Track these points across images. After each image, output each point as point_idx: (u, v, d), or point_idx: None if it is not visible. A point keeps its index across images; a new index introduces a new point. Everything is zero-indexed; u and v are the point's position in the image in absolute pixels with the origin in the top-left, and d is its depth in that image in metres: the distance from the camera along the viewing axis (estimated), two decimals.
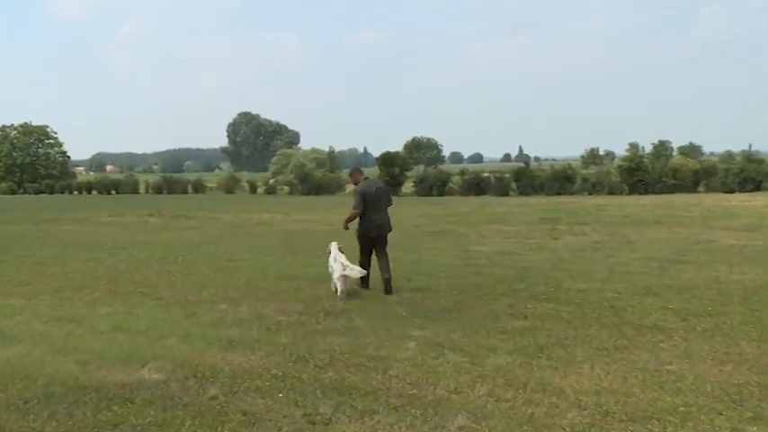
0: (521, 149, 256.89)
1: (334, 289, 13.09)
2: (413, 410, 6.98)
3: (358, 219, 13.86)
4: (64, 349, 9.64)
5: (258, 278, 15.45)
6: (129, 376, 8.34)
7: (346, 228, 14.28)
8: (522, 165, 63.63)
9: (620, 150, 74.54)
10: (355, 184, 14.44)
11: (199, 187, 79.14)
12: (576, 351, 9.08)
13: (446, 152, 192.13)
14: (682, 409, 6.91)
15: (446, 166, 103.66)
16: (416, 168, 73.85)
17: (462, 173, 63.40)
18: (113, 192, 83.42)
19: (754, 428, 6.44)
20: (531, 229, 25.80)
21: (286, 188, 71.86)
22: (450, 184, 61.49)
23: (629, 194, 50.82)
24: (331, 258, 13.53)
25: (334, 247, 13.80)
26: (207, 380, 8.13)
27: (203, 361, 8.89)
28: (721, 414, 6.79)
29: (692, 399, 7.20)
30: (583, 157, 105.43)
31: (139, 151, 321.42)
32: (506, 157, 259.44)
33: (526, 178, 57.19)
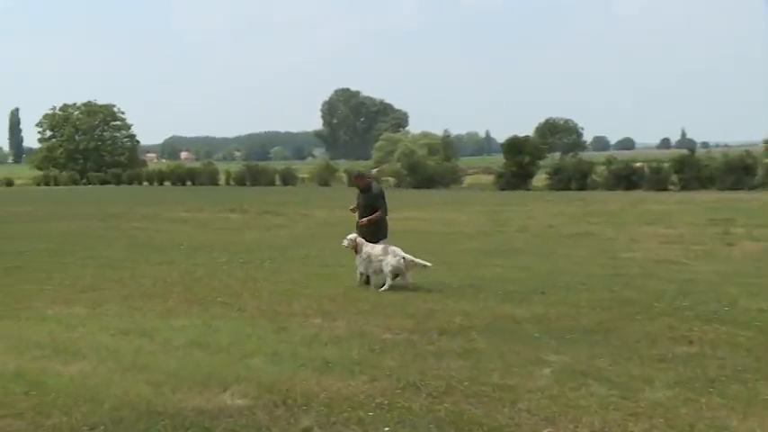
0: (683, 133, 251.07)
1: (380, 284, 15.46)
2: None
3: (379, 221, 16.58)
4: (134, 367, 9.89)
5: (358, 288, 15.58)
6: (208, 401, 8.50)
7: (364, 225, 16.61)
8: (685, 152, 62.03)
9: None
10: (365, 188, 17.06)
11: (288, 178, 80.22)
12: (759, 387, 8.81)
13: (588, 137, 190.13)
14: None
15: (588, 154, 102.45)
16: (551, 156, 72.94)
17: (608, 162, 62.21)
18: (189, 183, 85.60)
19: None
20: (698, 233, 25.29)
21: (392, 179, 72.07)
22: (593, 176, 60.64)
23: None
24: (375, 250, 15.81)
25: (360, 239, 16.14)
26: (299, 408, 8.21)
27: (294, 385, 8.97)
28: None
29: None
30: (767, 142, 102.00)
31: (219, 135, 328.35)
32: (665, 143, 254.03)
33: (691, 169, 55.78)
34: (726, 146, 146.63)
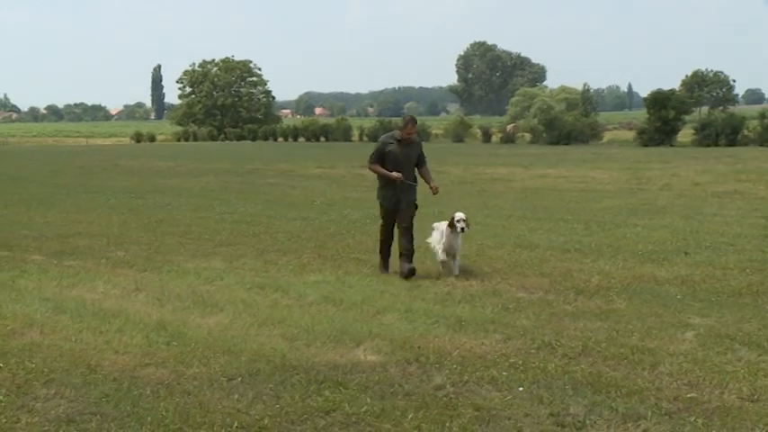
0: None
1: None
2: (691, 419, 6.76)
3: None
4: (269, 321, 10.11)
5: (493, 246, 15.61)
6: (341, 356, 8.63)
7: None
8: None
9: None
10: (408, 138, 13.61)
11: (422, 134, 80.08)
12: None
13: (739, 90, 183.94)
14: None
15: (740, 108, 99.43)
16: (698, 111, 71.13)
17: (762, 116, 60.31)
18: (323, 139, 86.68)
19: None
20: None
21: (528, 136, 71.67)
22: (745, 131, 58.96)
23: None
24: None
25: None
26: (432, 365, 8.25)
27: (427, 343, 9.05)
28: None
29: None
30: None
31: (352, 91, 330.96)
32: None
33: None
34: None
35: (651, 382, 7.71)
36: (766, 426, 6.57)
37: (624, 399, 7.23)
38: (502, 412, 6.98)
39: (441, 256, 13.39)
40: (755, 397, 7.27)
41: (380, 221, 14.02)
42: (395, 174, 13.20)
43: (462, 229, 13.14)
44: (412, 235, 13.45)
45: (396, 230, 13.78)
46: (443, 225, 13.54)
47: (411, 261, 13.20)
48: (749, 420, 6.69)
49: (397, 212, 13.54)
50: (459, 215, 13.25)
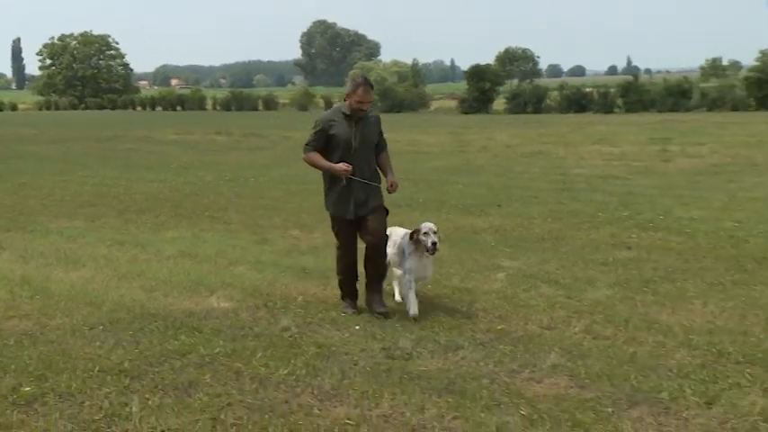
0: (629, 60, 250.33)
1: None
2: (501, 347, 6.98)
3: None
4: (129, 275, 9.90)
5: None
6: (196, 304, 8.54)
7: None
8: (629, 78, 61.96)
9: (749, 60, 71.73)
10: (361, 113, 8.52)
11: (270, 103, 79.81)
12: (687, 286, 8.97)
13: (543, 65, 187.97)
14: None
15: (543, 81, 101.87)
16: (509, 83, 72.74)
17: (561, 87, 62.40)
18: (179, 108, 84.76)
19: None
20: (639, 151, 25.42)
21: None
22: (548, 101, 60.72)
23: (756, 110, 49.19)
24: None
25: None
26: (279, 310, 8.26)
27: (275, 290, 9.05)
28: None
29: None
30: (702, 68, 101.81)
31: (206, 64, 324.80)
32: (612, 70, 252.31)
33: (634, 93, 55.94)
34: (667, 72, 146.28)
35: (468, 317, 7.93)
36: (560, 348, 6.86)
37: (446, 332, 7.42)
38: (341, 348, 7.05)
39: (403, 286, 8.34)
40: (552, 326, 7.61)
41: (336, 243, 8.73)
42: (340, 165, 8.10)
43: (434, 247, 8.05)
44: (384, 253, 8.51)
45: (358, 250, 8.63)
46: (396, 232, 8.73)
47: (381, 293, 8.44)
48: (547, 345, 6.98)
49: (361, 223, 8.42)
50: (427, 226, 8.20)
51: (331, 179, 8.38)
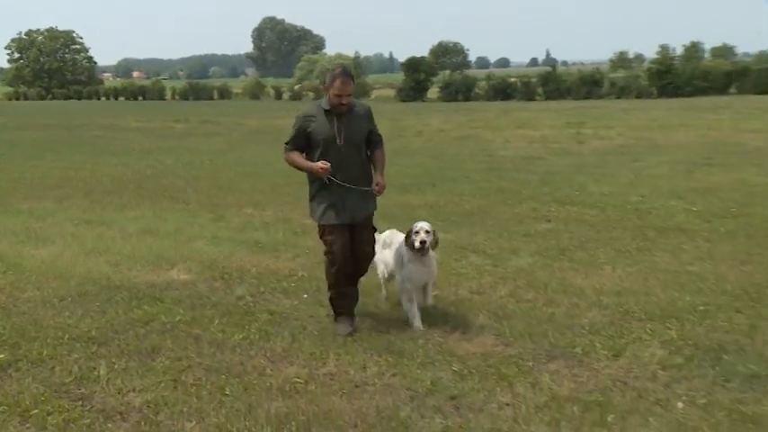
0: (548, 53, 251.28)
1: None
2: (435, 310, 7.05)
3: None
4: (95, 251, 9.77)
5: (283, 183, 15.42)
6: (158, 277, 8.47)
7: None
8: (548, 69, 62.46)
9: (651, 53, 72.79)
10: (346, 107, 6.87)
11: (224, 93, 78.84)
12: (599, 253, 9.12)
13: (472, 57, 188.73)
14: (701, 308, 6.94)
15: (472, 72, 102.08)
16: (442, 74, 72.60)
17: (488, 78, 62.65)
18: (140, 98, 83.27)
19: None
20: (557, 134, 25.62)
21: (311, 94, 71.25)
22: (476, 90, 60.88)
23: (657, 98, 49.98)
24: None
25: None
26: (234, 280, 8.24)
27: (230, 263, 8.99)
28: (740, 312, 6.83)
29: (711, 298, 7.24)
30: (611, 60, 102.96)
31: (165, 57, 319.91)
32: (533, 62, 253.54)
33: (553, 83, 56.44)
34: (581, 63, 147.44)
35: None
36: (488, 311, 6.96)
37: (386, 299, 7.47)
38: (291, 315, 7.06)
39: (403, 295, 6.88)
40: (481, 291, 7.68)
41: (324, 255, 6.79)
42: (317, 164, 6.52)
43: (422, 246, 6.66)
44: (366, 269, 7.06)
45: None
46: (396, 238, 7.21)
47: (353, 315, 6.81)
48: (476, 308, 7.06)
49: (352, 230, 6.73)
50: (419, 225, 6.79)
51: (319, 184, 6.67)
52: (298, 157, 6.72)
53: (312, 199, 6.85)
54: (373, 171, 6.85)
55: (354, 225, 6.68)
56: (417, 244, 6.64)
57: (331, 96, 6.52)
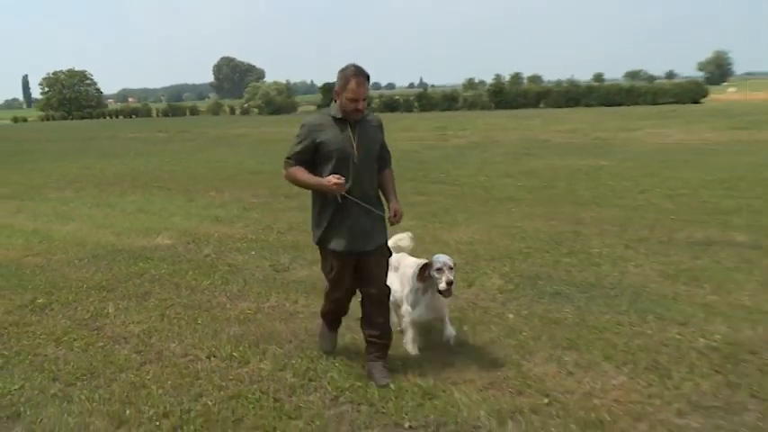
0: (421, 79, 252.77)
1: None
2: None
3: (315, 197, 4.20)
4: (104, 225, 9.42)
5: (237, 173, 15.16)
6: (148, 242, 8.18)
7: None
8: (421, 90, 62.79)
9: (489, 79, 74.10)
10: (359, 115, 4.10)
11: (194, 111, 77.04)
12: (458, 216, 9.19)
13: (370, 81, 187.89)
14: (525, 250, 7.10)
15: (371, 92, 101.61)
16: None
17: (380, 96, 62.44)
18: (133, 116, 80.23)
19: (568, 260, 6.67)
20: (428, 135, 25.78)
21: (256, 110, 69.88)
22: (372, 105, 60.53)
23: (494, 110, 50.86)
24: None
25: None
26: (202, 243, 8.01)
27: (199, 231, 8.74)
28: (548, 252, 7.00)
29: (531, 243, 7.40)
30: (464, 84, 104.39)
31: (151, 87, 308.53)
32: (411, 85, 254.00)
33: (425, 99, 56.55)
34: (443, 86, 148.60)
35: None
36: None
37: (311, 252, 7.11)
38: (243, 266, 6.89)
39: (408, 328, 4.40)
40: None
41: (325, 284, 4.26)
42: (329, 179, 3.87)
43: (449, 287, 4.11)
44: (388, 308, 4.24)
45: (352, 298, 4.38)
46: (404, 261, 4.65)
47: (386, 359, 4.13)
48: None
49: (361, 261, 4.06)
50: (441, 260, 4.19)
51: (322, 202, 4.05)
52: (303, 173, 4.01)
53: (317, 222, 4.09)
54: (383, 193, 4.20)
55: (364, 254, 4.02)
56: (443, 285, 4.10)
57: (344, 101, 3.92)
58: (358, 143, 3.99)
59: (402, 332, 4.50)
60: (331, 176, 3.87)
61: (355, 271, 4.10)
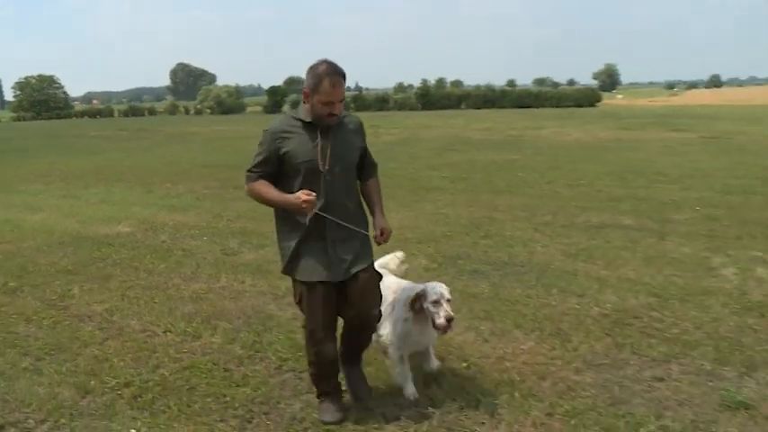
0: (357, 83, 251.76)
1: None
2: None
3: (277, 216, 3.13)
4: (70, 215, 9.01)
5: (191, 167, 14.63)
6: (110, 230, 7.84)
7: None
8: (357, 93, 62.55)
9: (417, 83, 74.34)
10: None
11: (152, 112, 74.07)
12: (389, 204, 8.99)
13: None
14: (447, 233, 7.15)
15: None
16: (292, 96, 70.88)
17: None
18: (97, 117, 76.69)
19: (484, 242, 6.75)
20: (367, 132, 25.57)
21: (208, 111, 67.99)
22: None
23: (421, 110, 51.15)
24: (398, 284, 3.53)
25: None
26: (159, 230, 7.73)
27: (156, 219, 8.43)
28: (468, 235, 7.07)
29: (453, 228, 7.45)
30: (395, 87, 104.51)
31: (114, 90, 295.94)
32: (348, 89, 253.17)
33: (360, 101, 56.28)
34: (376, 89, 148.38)
35: (273, 227, 7.69)
36: None
37: (258, 238, 7.13)
38: (197, 251, 6.68)
39: (397, 364, 3.25)
40: None
41: (302, 321, 3.06)
42: (297, 195, 2.83)
43: (448, 324, 2.99)
44: (370, 338, 3.23)
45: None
46: (387, 279, 3.37)
47: (340, 393, 3.15)
48: None
49: (344, 291, 2.94)
50: (437, 290, 3.07)
51: (291, 222, 3.03)
52: (267, 189, 3.02)
53: (284, 247, 3.09)
54: (368, 206, 3.28)
55: (342, 285, 3.00)
56: (443, 322, 3.05)
57: (316, 104, 2.93)
58: (331, 153, 2.94)
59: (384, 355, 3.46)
60: (300, 192, 2.86)
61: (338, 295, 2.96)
